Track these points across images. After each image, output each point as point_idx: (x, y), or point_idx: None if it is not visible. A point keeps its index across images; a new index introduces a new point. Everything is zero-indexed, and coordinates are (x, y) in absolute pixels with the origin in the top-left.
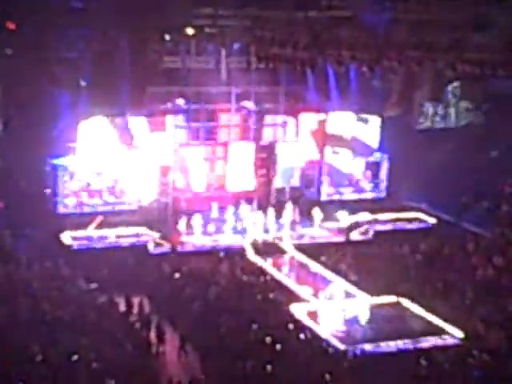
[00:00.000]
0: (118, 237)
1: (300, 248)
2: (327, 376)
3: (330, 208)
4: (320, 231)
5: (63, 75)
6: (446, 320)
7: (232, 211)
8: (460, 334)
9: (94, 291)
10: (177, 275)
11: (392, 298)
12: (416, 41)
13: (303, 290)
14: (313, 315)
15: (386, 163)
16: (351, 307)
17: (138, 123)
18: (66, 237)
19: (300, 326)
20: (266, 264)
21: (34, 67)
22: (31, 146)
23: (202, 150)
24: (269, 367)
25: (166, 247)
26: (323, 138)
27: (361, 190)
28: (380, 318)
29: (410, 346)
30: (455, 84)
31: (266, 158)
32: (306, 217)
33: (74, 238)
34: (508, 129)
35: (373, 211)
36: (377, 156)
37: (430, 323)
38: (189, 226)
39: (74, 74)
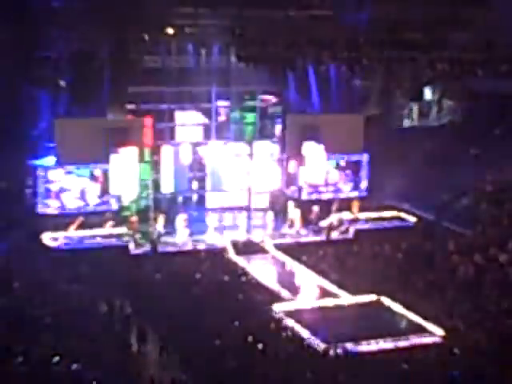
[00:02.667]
0: (99, 237)
1: (281, 248)
2: (309, 375)
3: (310, 207)
4: (301, 230)
5: (43, 75)
6: (426, 318)
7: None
8: (440, 332)
9: (74, 292)
10: (158, 275)
11: (373, 297)
12: (396, 40)
13: (284, 290)
14: (294, 315)
15: (366, 162)
16: (332, 306)
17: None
18: (47, 237)
19: (281, 326)
20: (248, 264)
21: (14, 67)
22: (11, 146)
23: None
24: (251, 367)
25: (147, 247)
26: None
27: (339, 191)
28: (361, 317)
29: (391, 345)
30: (436, 83)
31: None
32: (285, 216)
33: (55, 239)
34: (487, 127)
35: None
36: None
37: (410, 321)
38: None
39: (53, 74)
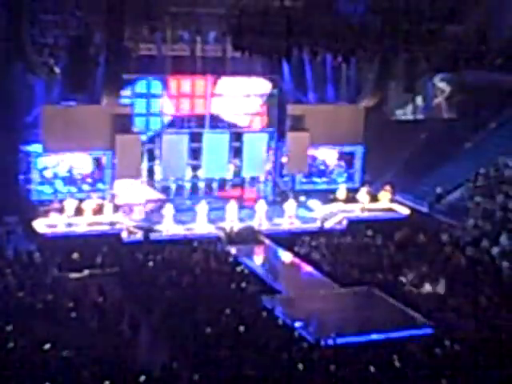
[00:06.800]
0: (92, 224)
1: (274, 237)
2: (299, 366)
3: (303, 197)
4: (294, 221)
5: (37, 61)
6: (418, 310)
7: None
8: (432, 324)
9: (67, 279)
10: (150, 264)
11: (364, 288)
12: (391, 31)
13: (276, 280)
14: (285, 305)
15: (360, 153)
16: (323, 296)
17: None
18: (39, 224)
19: (272, 316)
20: (240, 253)
21: (8, 53)
22: (4, 133)
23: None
24: (241, 356)
25: (140, 235)
26: None
27: (333, 181)
28: (352, 308)
29: (382, 336)
30: (430, 75)
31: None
32: (279, 206)
33: (48, 226)
34: (481, 120)
35: (347, 201)
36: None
37: (402, 313)
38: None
39: (48, 60)
